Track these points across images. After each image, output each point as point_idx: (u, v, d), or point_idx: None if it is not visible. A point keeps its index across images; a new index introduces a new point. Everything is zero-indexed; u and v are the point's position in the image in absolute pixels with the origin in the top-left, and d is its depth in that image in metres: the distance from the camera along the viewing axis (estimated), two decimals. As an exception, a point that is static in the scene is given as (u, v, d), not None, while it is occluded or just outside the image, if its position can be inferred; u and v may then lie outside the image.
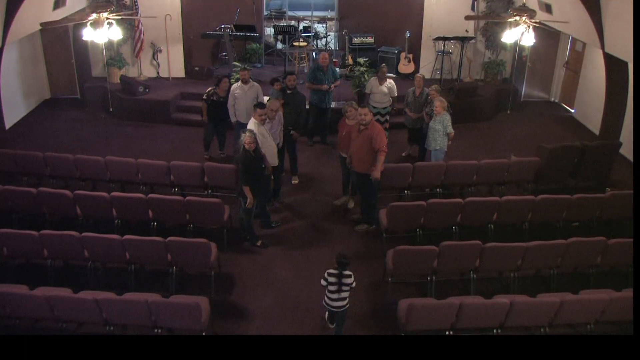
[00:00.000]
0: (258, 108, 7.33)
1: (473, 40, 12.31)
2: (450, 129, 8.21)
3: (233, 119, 8.93)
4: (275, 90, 8.67)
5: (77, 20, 9.65)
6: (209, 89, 9.16)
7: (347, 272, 5.44)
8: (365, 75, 10.54)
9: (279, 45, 13.47)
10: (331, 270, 5.44)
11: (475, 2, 11.98)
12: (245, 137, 6.70)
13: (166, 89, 11.73)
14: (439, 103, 8.21)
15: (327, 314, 5.87)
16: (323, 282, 5.47)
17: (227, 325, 5.91)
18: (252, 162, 6.75)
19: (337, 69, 12.28)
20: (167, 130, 10.85)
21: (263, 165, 7.09)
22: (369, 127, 7.19)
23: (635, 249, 5.41)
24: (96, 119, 11.42)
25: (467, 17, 11.01)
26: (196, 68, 12.23)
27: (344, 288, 5.42)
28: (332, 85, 9.69)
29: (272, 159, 7.43)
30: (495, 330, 5.45)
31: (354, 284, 5.50)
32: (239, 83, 8.88)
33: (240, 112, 8.82)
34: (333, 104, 10.31)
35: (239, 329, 5.88)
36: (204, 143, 9.49)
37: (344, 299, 5.45)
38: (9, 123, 10.36)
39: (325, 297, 5.52)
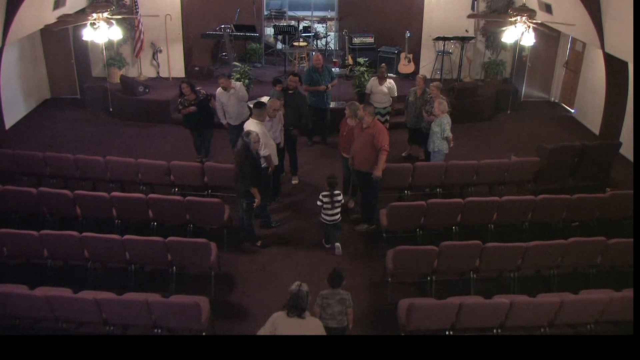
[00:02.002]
0: (256, 108, 7.32)
1: (473, 40, 12.32)
2: (447, 133, 8.11)
3: (224, 121, 8.89)
4: (277, 91, 8.66)
5: (86, 20, 9.56)
6: (179, 99, 8.87)
7: (337, 192, 6.84)
8: (365, 75, 10.54)
9: (279, 45, 13.48)
10: (324, 192, 6.80)
11: (475, 2, 11.99)
12: (251, 137, 6.65)
13: (166, 89, 11.73)
14: (437, 104, 8.18)
15: (323, 240, 7.21)
16: (319, 203, 6.85)
17: (227, 325, 5.91)
18: (257, 162, 6.78)
19: (337, 68, 12.34)
20: (167, 130, 10.85)
21: (265, 165, 7.11)
22: (372, 126, 7.19)
23: (635, 249, 5.41)
24: (96, 119, 11.43)
25: (470, 16, 11.02)
26: (196, 68, 12.24)
27: (336, 205, 6.82)
28: (329, 85, 9.67)
29: (274, 157, 7.44)
30: (495, 330, 5.46)
31: (343, 201, 6.92)
32: (220, 89, 8.73)
33: (229, 115, 8.78)
34: (333, 104, 10.31)
35: (239, 329, 5.88)
36: (195, 148, 9.31)
37: (337, 213, 6.85)
38: (9, 123, 10.37)
39: (323, 216, 6.90)
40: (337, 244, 7.12)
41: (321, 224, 7.08)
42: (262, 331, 4.64)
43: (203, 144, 9.18)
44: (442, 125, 8.10)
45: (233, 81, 9.00)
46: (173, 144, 10.20)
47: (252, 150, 6.65)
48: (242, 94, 8.80)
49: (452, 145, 8.34)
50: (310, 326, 4.54)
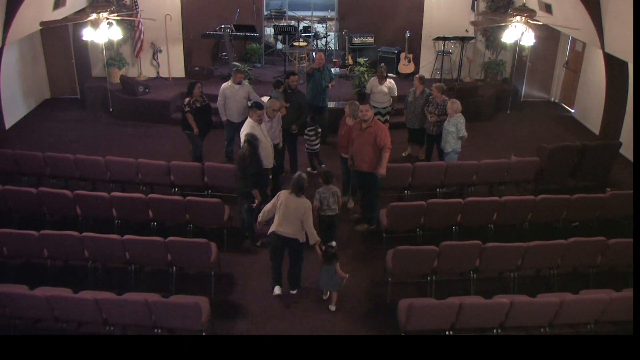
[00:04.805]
0: (256, 109, 7.31)
1: (473, 40, 12.31)
2: (463, 132, 8.19)
3: (224, 118, 8.88)
4: (278, 92, 8.66)
5: (78, 20, 9.63)
6: (186, 99, 8.43)
7: (318, 128, 8.81)
8: (365, 75, 10.55)
9: (279, 45, 13.48)
10: (309, 127, 8.70)
11: (476, 2, 11.99)
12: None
13: (166, 89, 11.72)
14: (450, 105, 8.23)
15: (308, 168, 9.01)
16: (306, 136, 8.77)
17: (227, 325, 5.91)
18: (261, 166, 6.84)
19: (337, 68, 12.36)
20: (167, 130, 10.84)
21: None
22: (373, 125, 7.18)
23: (635, 249, 5.41)
24: (96, 119, 11.42)
25: (473, 23, 11.02)
26: (196, 68, 12.23)
27: (313, 137, 8.82)
28: (329, 85, 9.68)
29: (267, 159, 7.36)
30: (495, 330, 5.46)
31: (320, 133, 8.88)
32: (230, 83, 8.76)
33: (230, 111, 8.76)
34: (332, 104, 10.31)
35: (239, 329, 5.88)
36: (194, 157, 8.70)
37: (316, 144, 8.85)
38: (9, 123, 10.36)
39: (307, 145, 8.88)
40: (317, 165, 9.09)
41: (307, 154, 9.04)
42: (270, 204, 6.12)
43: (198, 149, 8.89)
44: (457, 125, 8.15)
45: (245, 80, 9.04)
46: (173, 144, 10.19)
47: (258, 154, 6.73)
48: (250, 92, 8.78)
49: (464, 143, 8.39)
50: (302, 202, 6.00)
